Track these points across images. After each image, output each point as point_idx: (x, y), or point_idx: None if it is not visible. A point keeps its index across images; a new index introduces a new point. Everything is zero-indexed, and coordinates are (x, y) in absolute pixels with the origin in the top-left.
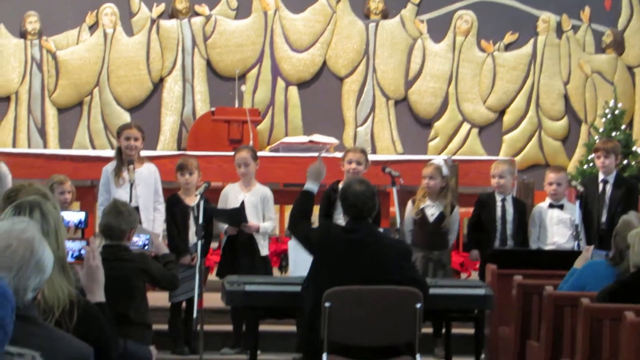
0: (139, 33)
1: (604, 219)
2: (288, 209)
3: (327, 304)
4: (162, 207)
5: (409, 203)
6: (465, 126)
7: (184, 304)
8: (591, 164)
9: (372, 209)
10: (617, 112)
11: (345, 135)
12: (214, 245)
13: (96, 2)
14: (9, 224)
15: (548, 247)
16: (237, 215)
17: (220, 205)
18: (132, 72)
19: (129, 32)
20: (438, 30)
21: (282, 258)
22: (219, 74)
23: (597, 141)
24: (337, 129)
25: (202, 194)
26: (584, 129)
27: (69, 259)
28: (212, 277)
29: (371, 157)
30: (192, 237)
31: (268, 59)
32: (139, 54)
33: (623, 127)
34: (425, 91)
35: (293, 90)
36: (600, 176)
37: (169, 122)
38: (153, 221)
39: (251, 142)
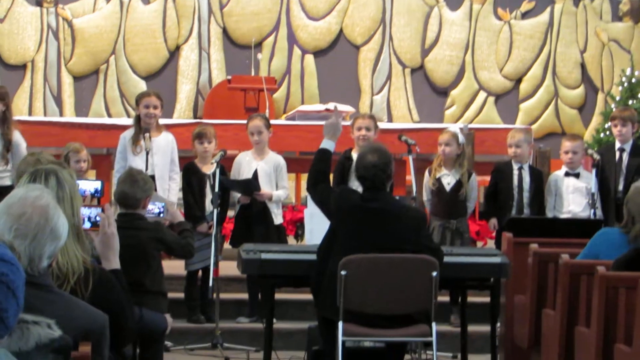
0: (155, 1)
1: (620, 187)
2: (304, 178)
3: (343, 272)
4: (177, 177)
5: (426, 173)
6: (482, 94)
7: (199, 273)
8: (607, 132)
9: (387, 179)
10: (633, 80)
11: (362, 104)
12: (230, 213)
13: None
14: (23, 192)
15: (564, 216)
16: (249, 185)
17: (233, 173)
18: (148, 40)
19: (145, 0)
20: None
21: (298, 227)
22: (235, 42)
23: (613, 109)
24: (354, 97)
25: (218, 162)
26: (600, 97)
27: (85, 225)
28: (227, 245)
29: (387, 125)
30: (209, 206)
31: (284, 27)
32: (155, 22)
33: None
34: (442, 59)
35: (309, 59)
36: (617, 144)
37: (185, 91)
38: (168, 190)
39: (267, 111)
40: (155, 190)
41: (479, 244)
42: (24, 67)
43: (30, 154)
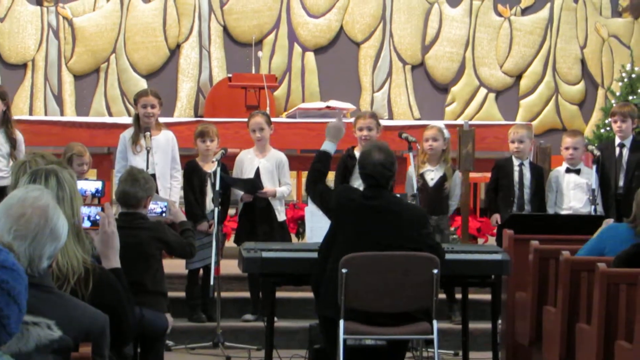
0: None
1: (621, 183)
2: (305, 175)
3: (344, 270)
4: (179, 175)
5: (410, 169)
6: (482, 91)
7: (201, 271)
8: (608, 128)
9: (391, 178)
10: (633, 75)
11: (362, 101)
12: (231, 212)
13: None
14: (23, 192)
15: (565, 212)
16: (252, 184)
17: (236, 171)
18: (148, 39)
19: None
20: None
21: (299, 224)
22: (235, 40)
23: (613, 105)
24: (354, 94)
25: (219, 160)
26: (600, 93)
27: (85, 224)
28: (229, 244)
29: (388, 123)
30: (210, 204)
31: (285, 25)
32: (156, 20)
33: None
34: (442, 56)
35: (310, 56)
36: (617, 140)
37: (185, 89)
38: (170, 189)
39: (268, 108)
40: (157, 189)
41: (480, 240)
42: (24, 66)
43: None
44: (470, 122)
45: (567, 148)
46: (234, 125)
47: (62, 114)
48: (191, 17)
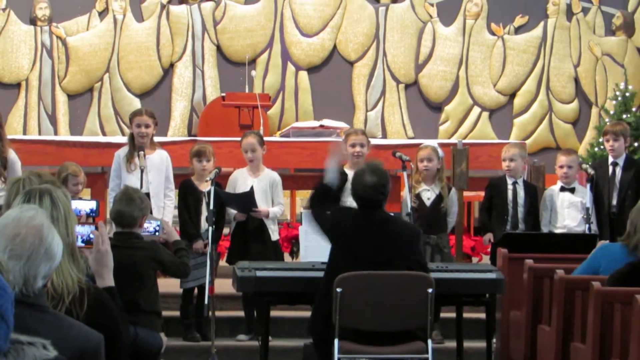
0: (149, 19)
1: (614, 201)
2: (299, 194)
3: (338, 290)
4: (172, 194)
5: (405, 189)
6: (476, 110)
7: (195, 291)
8: (602, 147)
9: (383, 200)
10: (627, 94)
11: (356, 120)
12: (225, 231)
13: None
14: (17, 212)
15: (559, 231)
16: (247, 200)
17: (229, 189)
18: (142, 58)
19: (139, 17)
20: (448, 13)
21: (293, 244)
22: (229, 59)
23: (607, 124)
24: (348, 113)
25: (214, 179)
26: (594, 111)
27: (79, 243)
28: (223, 263)
29: (382, 141)
30: (204, 224)
31: (278, 44)
32: (149, 39)
33: (634, 109)
34: (436, 75)
35: (303, 75)
36: (610, 159)
37: (179, 108)
38: (163, 208)
39: (262, 128)
40: (151, 210)
41: (474, 259)
42: (18, 85)
43: (26, 172)
44: (463, 141)
45: (561, 167)
46: (228, 144)
47: (55, 133)
48: (185, 37)
